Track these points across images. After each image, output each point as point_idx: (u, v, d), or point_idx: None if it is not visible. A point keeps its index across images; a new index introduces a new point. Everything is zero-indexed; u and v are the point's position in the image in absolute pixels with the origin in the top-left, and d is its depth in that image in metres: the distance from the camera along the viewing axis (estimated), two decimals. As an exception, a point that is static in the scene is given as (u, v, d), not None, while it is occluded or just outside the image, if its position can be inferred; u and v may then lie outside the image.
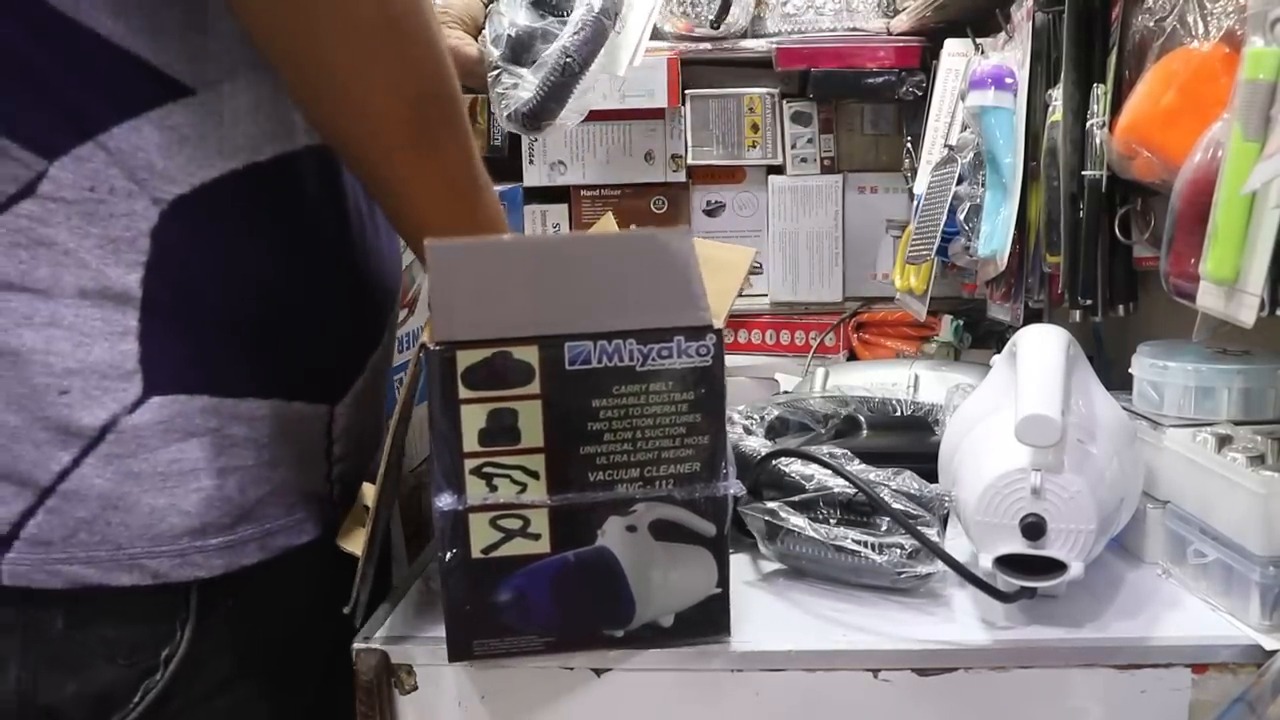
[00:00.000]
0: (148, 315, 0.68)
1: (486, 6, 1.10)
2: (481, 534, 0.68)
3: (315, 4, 0.64)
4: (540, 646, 0.71)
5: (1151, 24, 0.94)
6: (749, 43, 1.74)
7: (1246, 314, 0.71)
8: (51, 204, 0.66)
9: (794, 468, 0.83)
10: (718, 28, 1.75)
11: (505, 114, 1.01)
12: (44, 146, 0.66)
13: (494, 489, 0.68)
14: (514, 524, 0.68)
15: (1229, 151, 0.73)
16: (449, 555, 0.68)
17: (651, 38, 1.87)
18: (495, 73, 1.01)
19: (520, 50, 1.01)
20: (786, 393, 1.41)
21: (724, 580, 0.72)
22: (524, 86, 0.99)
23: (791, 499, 0.81)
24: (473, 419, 0.66)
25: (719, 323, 0.69)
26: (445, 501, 0.67)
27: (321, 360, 0.77)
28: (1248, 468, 0.74)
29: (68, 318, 0.67)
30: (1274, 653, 0.70)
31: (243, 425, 0.72)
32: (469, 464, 0.67)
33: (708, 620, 0.73)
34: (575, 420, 0.68)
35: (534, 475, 0.68)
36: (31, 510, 0.68)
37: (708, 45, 1.72)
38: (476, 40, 1.06)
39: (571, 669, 0.73)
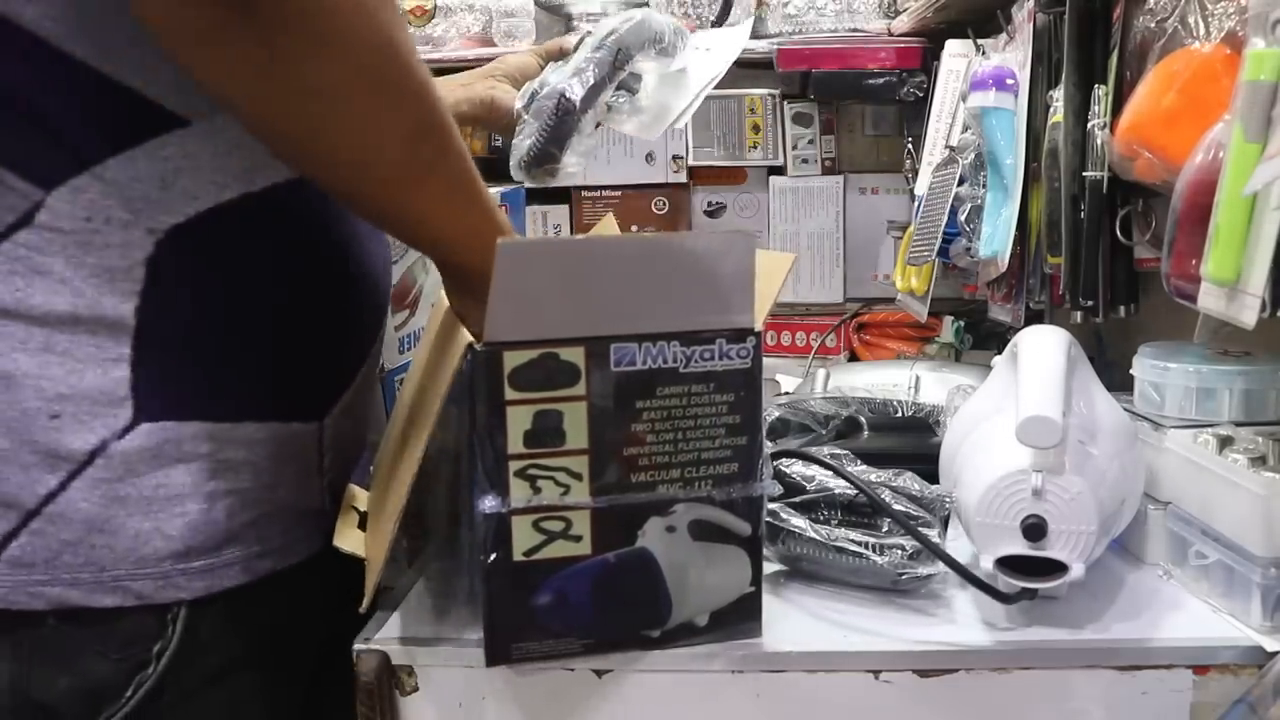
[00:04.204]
0: (141, 343, 0.69)
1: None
2: (524, 537, 0.68)
3: (279, 71, 0.61)
4: (578, 649, 0.71)
5: (1152, 25, 0.94)
6: (750, 43, 1.73)
7: (1248, 315, 0.71)
8: (48, 233, 0.67)
9: (795, 469, 0.83)
10: (719, 28, 1.75)
11: (514, 165, 0.97)
12: (42, 177, 0.66)
13: (538, 491, 0.68)
14: (556, 526, 0.69)
15: (1230, 153, 0.73)
16: (491, 558, 0.68)
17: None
18: (519, 125, 0.98)
19: None
20: (787, 394, 1.41)
21: (757, 579, 0.73)
22: (526, 133, 0.95)
23: (793, 500, 0.81)
24: (518, 420, 0.67)
25: (758, 326, 0.70)
26: (488, 504, 0.67)
27: (314, 378, 0.78)
28: (1249, 469, 0.74)
29: (61, 344, 0.68)
30: (1275, 654, 0.70)
31: (240, 449, 0.73)
32: (513, 466, 0.67)
33: (741, 618, 0.73)
34: (619, 422, 0.68)
35: (577, 477, 0.68)
36: (14, 532, 0.68)
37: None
38: None
39: (572, 670, 0.73)
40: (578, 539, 0.69)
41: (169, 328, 0.70)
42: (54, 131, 0.66)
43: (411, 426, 0.76)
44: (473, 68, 1.87)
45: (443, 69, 1.79)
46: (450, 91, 1.02)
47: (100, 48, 0.66)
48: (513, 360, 0.66)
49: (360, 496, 0.82)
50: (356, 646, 0.74)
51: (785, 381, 1.55)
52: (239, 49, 0.59)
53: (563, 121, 0.93)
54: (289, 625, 0.77)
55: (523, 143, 0.95)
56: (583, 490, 0.68)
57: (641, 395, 0.68)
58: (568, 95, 0.93)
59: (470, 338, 0.67)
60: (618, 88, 0.99)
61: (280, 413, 0.75)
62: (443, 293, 0.79)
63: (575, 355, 0.67)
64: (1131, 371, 0.91)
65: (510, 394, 0.66)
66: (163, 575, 0.70)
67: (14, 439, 0.68)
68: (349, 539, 0.78)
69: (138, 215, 0.68)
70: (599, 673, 0.73)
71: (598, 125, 0.99)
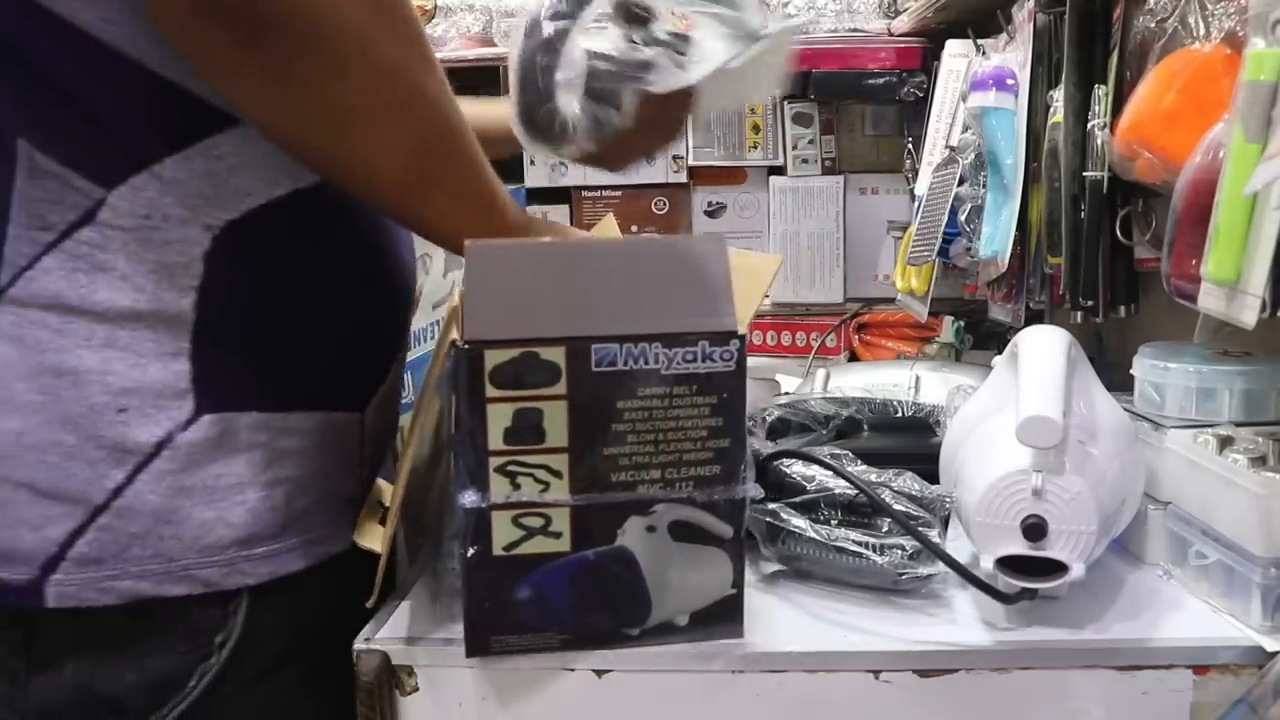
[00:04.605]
0: (199, 336, 0.71)
1: None
2: (504, 532, 0.69)
3: (289, 93, 0.65)
4: (557, 644, 0.72)
5: (1153, 25, 0.94)
6: (750, 44, 1.74)
7: (1248, 315, 0.71)
8: (110, 231, 0.69)
9: (795, 469, 0.83)
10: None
11: (518, 134, 0.88)
12: (103, 176, 0.68)
13: (517, 487, 0.69)
14: (536, 522, 0.69)
15: (1230, 153, 0.73)
16: (470, 552, 0.69)
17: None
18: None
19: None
20: (787, 394, 1.41)
21: (739, 581, 0.73)
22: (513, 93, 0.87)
23: (793, 500, 0.81)
24: (498, 418, 0.67)
25: (742, 328, 0.70)
26: (469, 499, 0.68)
27: (356, 369, 0.80)
28: (1249, 469, 0.74)
29: (124, 339, 0.69)
30: (1275, 654, 0.70)
31: (292, 437, 0.75)
32: (493, 462, 0.68)
33: (722, 620, 0.73)
34: (599, 421, 0.69)
35: (557, 474, 0.69)
36: (81, 530, 0.69)
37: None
38: None
39: (573, 670, 0.73)
40: (557, 535, 0.70)
41: (225, 320, 0.72)
42: (113, 132, 0.68)
43: (415, 420, 0.77)
44: (473, 67, 1.88)
45: (443, 69, 1.81)
46: (483, 109, 1.00)
47: (155, 50, 0.67)
48: (493, 358, 0.67)
49: (386, 492, 0.83)
50: (356, 646, 0.74)
51: (785, 381, 1.55)
52: (248, 72, 0.63)
53: (532, 44, 0.82)
54: (336, 617, 0.79)
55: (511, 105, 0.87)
56: (562, 488, 0.69)
57: (622, 396, 0.69)
58: (533, 15, 0.84)
59: (453, 336, 0.68)
60: (658, 43, 0.88)
61: (326, 402, 0.77)
62: (456, 291, 0.80)
63: (556, 355, 0.67)
64: (1131, 371, 0.91)
65: (491, 391, 0.67)
66: (228, 562, 0.72)
67: (80, 435, 0.69)
68: (368, 535, 0.79)
69: (195, 212, 0.70)
70: (599, 672, 0.73)
71: (630, 89, 0.87)
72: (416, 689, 0.74)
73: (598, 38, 0.86)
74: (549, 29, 0.83)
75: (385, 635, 0.75)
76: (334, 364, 0.78)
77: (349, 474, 0.80)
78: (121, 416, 0.69)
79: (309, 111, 0.66)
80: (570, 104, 0.84)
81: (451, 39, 1.91)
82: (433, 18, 1.90)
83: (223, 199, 0.70)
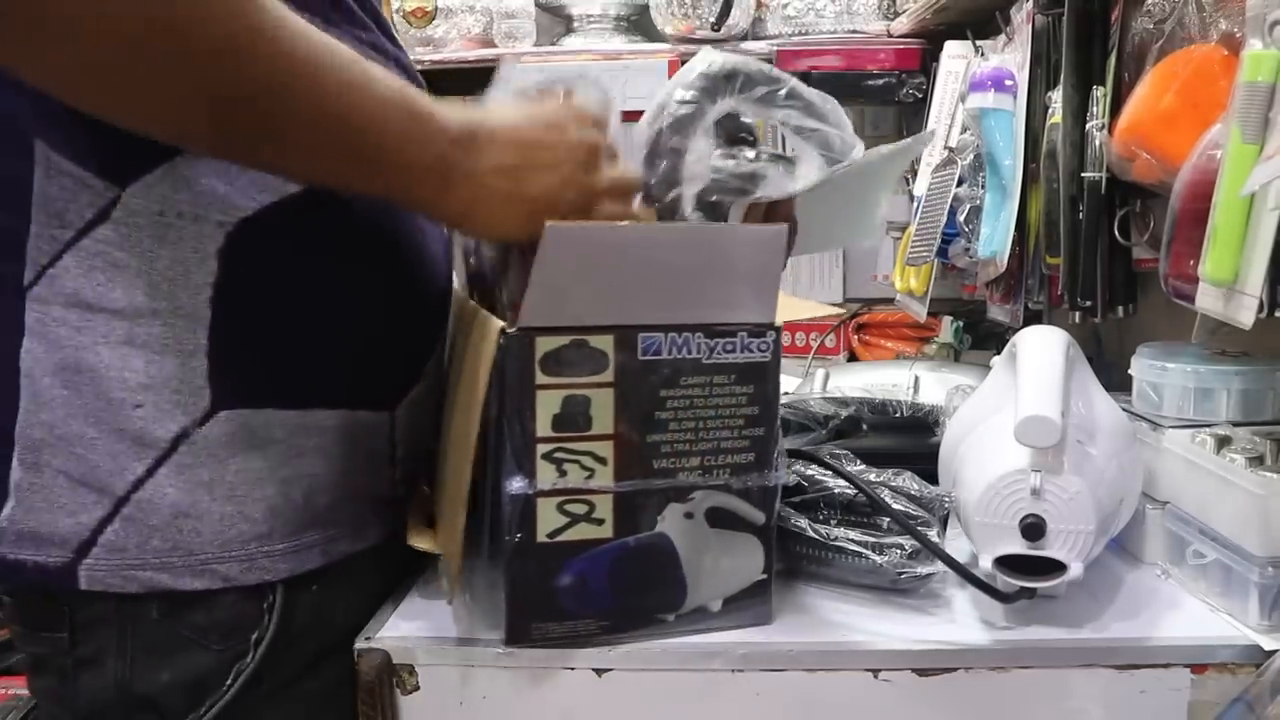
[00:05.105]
0: (216, 333, 0.71)
1: None
2: (548, 518, 0.70)
3: (43, 62, 0.58)
4: (596, 630, 0.72)
5: (1150, 26, 0.94)
6: (750, 45, 1.74)
7: (1245, 315, 0.72)
8: (125, 228, 0.69)
9: (795, 469, 0.83)
10: (719, 30, 1.76)
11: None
12: (116, 175, 0.69)
13: (563, 474, 0.69)
14: (580, 509, 0.70)
15: (1228, 153, 0.73)
16: (516, 539, 0.69)
17: (651, 39, 1.88)
18: None
19: None
20: (787, 394, 1.41)
21: (769, 566, 0.74)
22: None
23: (792, 500, 0.81)
24: (547, 404, 0.68)
25: (778, 322, 0.71)
26: (515, 486, 0.69)
27: (381, 369, 0.80)
28: (1246, 468, 0.74)
29: (141, 336, 0.70)
30: (1273, 653, 0.71)
31: (312, 435, 0.75)
32: (541, 449, 0.69)
33: (753, 605, 0.75)
34: (644, 409, 0.70)
35: (602, 461, 0.70)
36: (109, 518, 0.70)
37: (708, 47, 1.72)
38: None
39: (573, 669, 0.73)
40: (600, 522, 0.70)
41: (241, 317, 0.72)
42: (122, 130, 0.67)
43: (456, 413, 0.77)
44: (473, 68, 1.87)
45: (444, 70, 1.80)
46: None
47: None
48: (544, 345, 0.68)
49: (429, 496, 0.83)
50: (357, 645, 0.74)
51: (785, 381, 1.55)
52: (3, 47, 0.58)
53: (658, 125, 0.79)
54: (371, 613, 0.79)
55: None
56: (606, 475, 0.70)
57: (666, 384, 0.70)
58: (661, 103, 0.81)
59: (500, 324, 0.68)
60: (766, 158, 0.86)
61: (349, 401, 0.77)
62: (454, 284, 0.80)
63: (604, 343, 0.69)
64: (1130, 371, 0.91)
65: (541, 378, 0.68)
66: (248, 558, 0.72)
67: (101, 429, 0.70)
68: (421, 538, 0.79)
69: (208, 209, 0.70)
70: (599, 671, 0.73)
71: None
72: (417, 688, 0.74)
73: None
74: (679, 112, 0.80)
75: (386, 634, 0.75)
76: (357, 362, 0.77)
77: (377, 473, 0.80)
78: (139, 412, 0.70)
79: (73, 77, 0.59)
80: (690, 196, 0.81)
81: (452, 40, 1.91)
82: (433, 19, 1.90)
83: (235, 196, 0.70)
